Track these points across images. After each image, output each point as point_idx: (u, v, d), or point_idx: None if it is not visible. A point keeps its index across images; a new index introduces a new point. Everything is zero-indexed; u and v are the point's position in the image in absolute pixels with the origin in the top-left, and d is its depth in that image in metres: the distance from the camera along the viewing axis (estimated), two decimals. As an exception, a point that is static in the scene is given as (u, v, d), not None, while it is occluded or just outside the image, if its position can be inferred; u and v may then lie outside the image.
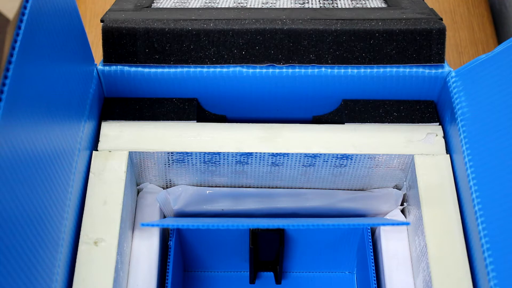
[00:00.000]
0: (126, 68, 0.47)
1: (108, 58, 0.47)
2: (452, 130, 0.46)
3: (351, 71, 0.48)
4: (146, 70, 0.47)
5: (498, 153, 0.41)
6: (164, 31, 0.47)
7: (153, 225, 0.45)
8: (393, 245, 0.47)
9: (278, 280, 0.54)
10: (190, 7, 0.52)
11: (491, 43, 0.75)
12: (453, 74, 0.47)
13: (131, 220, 0.47)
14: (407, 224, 0.41)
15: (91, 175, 0.45)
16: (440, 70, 0.48)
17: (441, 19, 0.48)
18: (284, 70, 0.48)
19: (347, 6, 0.53)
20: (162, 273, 0.48)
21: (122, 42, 0.47)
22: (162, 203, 0.49)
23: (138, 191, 0.50)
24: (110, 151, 0.46)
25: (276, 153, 0.47)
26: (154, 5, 0.52)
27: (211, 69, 0.47)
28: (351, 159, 0.47)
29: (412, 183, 0.47)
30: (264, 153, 0.47)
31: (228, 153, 0.47)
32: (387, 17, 0.48)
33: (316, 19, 0.48)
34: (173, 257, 0.48)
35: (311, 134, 0.47)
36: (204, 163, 0.48)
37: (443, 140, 0.47)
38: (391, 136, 0.47)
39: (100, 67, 0.48)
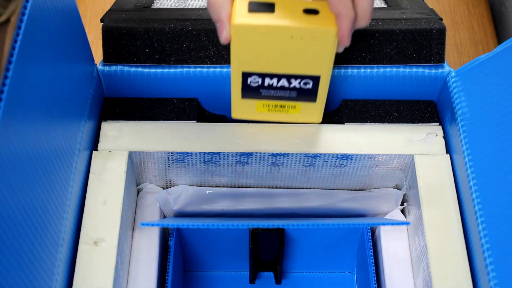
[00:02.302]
0: (126, 68, 0.47)
1: (108, 58, 0.47)
2: (452, 130, 0.46)
3: (351, 71, 0.48)
4: (146, 70, 0.47)
5: (498, 153, 0.41)
6: (164, 31, 0.47)
7: (153, 225, 0.45)
8: (393, 245, 0.47)
9: (278, 280, 0.54)
10: (190, 7, 0.52)
11: (491, 43, 0.75)
12: (453, 74, 0.47)
13: (131, 220, 0.47)
14: (407, 224, 0.41)
15: (91, 175, 0.45)
16: (440, 70, 0.48)
17: (441, 19, 0.48)
18: (284, 70, 0.47)
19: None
20: (162, 273, 0.48)
21: (122, 42, 0.47)
22: (162, 203, 0.49)
23: (138, 191, 0.50)
24: (110, 151, 0.46)
25: (276, 153, 0.47)
26: (154, 5, 0.52)
27: (211, 69, 0.47)
28: (351, 159, 0.47)
29: (412, 183, 0.47)
30: (264, 153, 0.47)
31: (228, 153, 0.47)
32: (387, 17, 0.48)
33: (316, 19, 0.48)
34: (173, 257, 0.48)
35: (310, 134, 0.47)
36: (204, 163, 0.48)
37: (443, 140, 0.47)
38: (391, 136, 0.47)
39: (100, 67, 0.48)
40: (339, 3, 0.37)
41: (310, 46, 0.40)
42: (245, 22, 0.38)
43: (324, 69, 0.42)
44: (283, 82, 0.43)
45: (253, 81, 0.43)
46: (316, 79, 0.43)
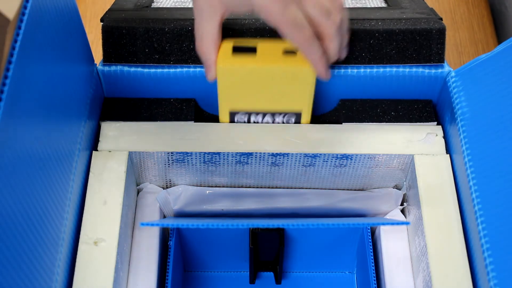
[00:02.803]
0: (126, 68, 0.47)
1: (108, 58, 0.47)
2: (452, 130, 0.46)
3: (351, 71, 0.48)
4: (146, 70, 0.47)
5: (498, 153, 0.41)
6: (164, 31, 0.47)
7: (153, 225, 0.45)
8: (393, 245, 0.47)
9: (278, 280, 0.54)
10: (190, 6, 0.52)
11: (491, 43, 0.75)
12: (453, 74, 0.47)
13: (131, 220, 0.47)
14: (407, 223, 0.41)
15: (91, 175, 0.45)
16: (440, 70, 0.48)
17: (441, 19, 0.48)
18: (284, 70, 0.47)
19: (348, 6, 0.52)
20: (162, 273, 0.48)
21: (122, 42, 0.47)
22: (162, 203, 0.49)
23: (138, 191, 0.50)
24: (110, 151, 0.46)
25: (276, 153, 0.47)
26: (154, 4, 0.52)
27: (211, 69, 0.47)
28: (351, 159, 0.47)
29: (412, 183, 0.47)
30: (264, 153, 0.47)
31: (228, 153, 0.47)
32: (387, 17, 0.48)
33: (316, 19, 0.48)
34: (173, 257, 0.48)
35: (311, 134, 0.47)
36: (204, 163, 0.48)
37: (443, 140, 0.47)
38: (391, 136, 0.47)
39: (100, 67, 0.48)
40: (310, 52, 0.41)
41: (290, 84, 0.44)
42: (229, 64, 0.43)
43: (304, 105, 0.46)
44: (268, 119, 0.47)
45: (240, 119, 0.47)
46: (298, 115, 0.47)
